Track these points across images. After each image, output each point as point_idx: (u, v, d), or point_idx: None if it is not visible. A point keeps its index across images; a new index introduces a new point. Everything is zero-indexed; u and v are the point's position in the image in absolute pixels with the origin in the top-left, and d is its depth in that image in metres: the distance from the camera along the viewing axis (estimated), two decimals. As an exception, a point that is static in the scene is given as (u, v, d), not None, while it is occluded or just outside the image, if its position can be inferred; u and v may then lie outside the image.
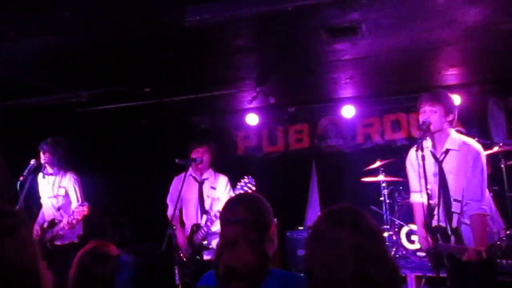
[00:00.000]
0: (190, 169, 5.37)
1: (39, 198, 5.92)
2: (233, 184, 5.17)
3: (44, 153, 5.67)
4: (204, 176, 5.50)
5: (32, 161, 5.60)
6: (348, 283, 1.68)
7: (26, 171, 5.53)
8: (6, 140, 6.61)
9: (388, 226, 7.13)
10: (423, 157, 3.73)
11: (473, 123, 7.75)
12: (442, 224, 3.88)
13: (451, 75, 7.21)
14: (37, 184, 5.86)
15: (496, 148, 6.73)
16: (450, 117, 3.91)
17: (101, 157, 7.54)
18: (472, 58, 6.40)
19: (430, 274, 5.80)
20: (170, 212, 5.53)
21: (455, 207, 3.80)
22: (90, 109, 7.18)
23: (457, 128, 7.08)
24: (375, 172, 7.28)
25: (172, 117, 8.46)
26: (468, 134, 6.99)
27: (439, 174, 3.86)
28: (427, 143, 3.98)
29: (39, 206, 5.95)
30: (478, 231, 3.69)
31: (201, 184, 5.47)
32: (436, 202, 3.90)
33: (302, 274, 2.16)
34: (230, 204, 2.31)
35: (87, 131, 7.52)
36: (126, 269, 2.33)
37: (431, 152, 3.94)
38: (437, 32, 5.19)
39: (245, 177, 4.99)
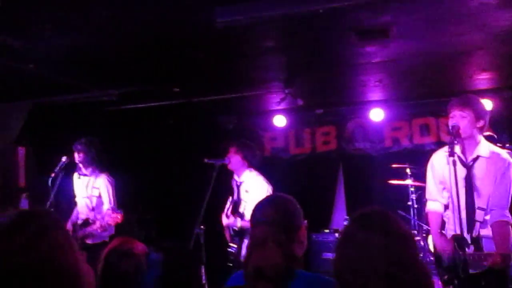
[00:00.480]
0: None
1: (71, 196, 6.01)
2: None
3: (78, 153, 5.75)
4: (241, 178, 5.53)
5: (64, 158, 5.69)
6: (377, 286, 1.67)
7: (57, 168, 5.63)
8: (38, 137, 6.75)
9: (416, 231, 7.04)
10: (454, 163, 3.62)
11: (504, 128, 7.62)
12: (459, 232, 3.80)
13: (483, 79, 7.11)
14: (70, 183, 5.95)
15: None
16: (481, 123, 3.84)
17: (129, 155, 7.63)
18: (504, 62, 6.29)
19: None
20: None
21: (478, 215, 3.75)
22: (119, 107, 7.27)
23: (488, 133, 7.04)
24: (402, 176, 7.20)
25: (200, 117, 8.51)
26: (499, 139, 6.95)
27: (466, 180, 3.79)
28: (456, 149, 3.88)
29: (71, 203, 6.04)
30: (500, 237, 3.67)
31: (238, 187, 5.53)
32: (454, 210, 3.85)
33: (328, 277, 2.16)
34: (260, 204, 2.32)
35: (115, 130, 7.62)
36: (155, 268, 2.35)
37: (459, 157, 3.85)
38: (469, 36, 5.11)
39: None
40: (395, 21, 4.57)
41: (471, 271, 3.52)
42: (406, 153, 8.06)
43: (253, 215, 2.27)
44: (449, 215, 4.04)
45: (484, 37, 5.17)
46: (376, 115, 8.13)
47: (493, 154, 3.83)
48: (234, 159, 5.43)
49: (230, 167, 5.44)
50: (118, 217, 5.41)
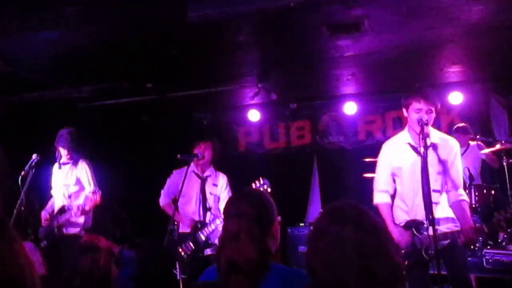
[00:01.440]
0: (192, 164, 5.38)
1: (43, 193, 5.92)
2: (246, 183, 5.17)
3: (62, 142, 5.68)
4: (206, 173, 5.53)
5: (34, 156, 5.59)
6: (351, 280, 1.68)
7: (28, 166, 5.52)
8: (8, 135, 6.62)
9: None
10: (425, 149, 3.82)
11: (475, 120, 7.76)
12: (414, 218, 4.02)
13: (454, 72, 7.20)
14: (43, 179, 5.86)
15: (498, 146, 6.74)
16: (435, 115, 4.03)
17: (102, 152, 7.53)
18: (475, 56, 6.39)
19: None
20: (162, 201, 5.69)
21: (435, 197, 3.91)
22: (92, 104, 7.18)
23: (463, 124, 7.16)
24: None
25: (174, 113, 8.45)
26: (468, 131, 7.06)
27: (422, 166, 3.91)
28: (405, 137, 4.12)
29: (43, 201, 5.95)
30: (462, 214, 3.92)
31: (203, 181, 5.49)
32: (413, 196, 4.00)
33: (303, 270, 2.17)
34: (234, 198, 2.34)
35: (88, 127, 7.51)
36: (129, 266, 2.34)
37: (411, 146, 4.04)
38: (440, 30, 5.18)
39: (260, 178, 5.04)
40: (366, 15, 4.60)
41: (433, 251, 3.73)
42: (380, 146, 8.08)
43: (226, 209, 2.26)
44: (397, 203, 4.16)
45: (454, 31, 5.25)
46: (350, 108, 8.19)
47: (443, 140, 4.06)
48: (207, 155, 5.42)
49: (201, 162, 5.42)
50: (96, 197, 5.35)
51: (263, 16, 4.40)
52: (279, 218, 2.30)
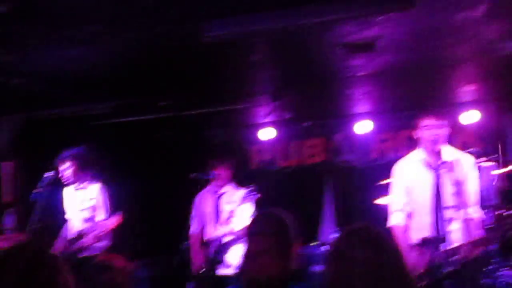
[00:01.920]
0: (210, 185, 5.42)
1: (58, 211, 5.92)
2: (257, 202, 5.22)
3: (71, 161, 5.63)
4: (224, 190, 5.53)
5: (51, 173, 5.58)
6: None
7: (43, 183, 5.53)
8: (27, 151, 6.68)
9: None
10: (427, 165, 3.98)
11: (490, 139, 7.69)
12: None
13: (468, 91, 7.19)
14: (57, 199, 5.86)
15: (509, 169, 6.69)
16: (448, 132, 4.11)
17: (119, 169, 7.57)
18: (490, 74, 6.37)
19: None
20: (192, 230, 5.65)
21: (452, 214, 3.96)
22: (107, 121, 7.23)
23: (472, 149, 7.11)
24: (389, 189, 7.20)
25: (187, 130, 8.50)
26: (485, 151, 7.01)
27: (435, 184, 3.99)
28: (420, 155, 4.17)
29: (58, 219, 5.95)
30: (467, 232, 3.96)
31: (219, 197, 5.51)
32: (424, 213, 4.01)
33: None
34: (258, 217, 2.42)
35: (104, 144, 7.56)
36: (142, 284, 2.35)
37: (425, 163, 4.07)
38: (455, 49, 5.18)
39: (249, 186, 5.08)
40: (381, 35, 4.61)
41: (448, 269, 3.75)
42: (392, 165, 8.07)
43: (250, 227, 2.32)
44: (411, 222, 4.16)
45: (470, 50, 5.24)
46: (363, 127, 8.18)
47: (457, 158, 4.09)
48: (220, 173, 5.43)
49: (218, 182, 5.43)
50: (119, 219, 5.34)
51: (277, 36, 4.43)
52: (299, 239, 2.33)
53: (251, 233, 2.26)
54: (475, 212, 3.99)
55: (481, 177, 7.19)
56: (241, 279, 2.10)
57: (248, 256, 2.17)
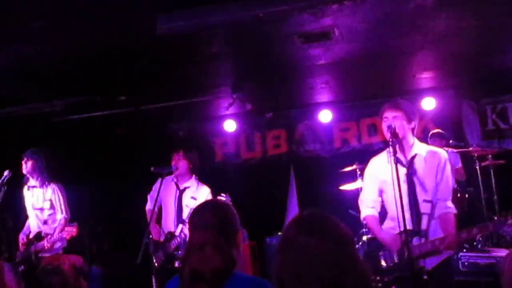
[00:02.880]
0: (174, 175, 5.39)
1: (17, 210, 5.82)
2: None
3: (26, 162, 5.58)
4: (186, 184, 5.46)
5: (6, 172, 5.50)
6: None
7: (0, 182, 5.44)
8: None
9: (366, 229, 7.15)
10: (398, 159, 3.80)
11: (448, 125, 7.86)
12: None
13: (426, 78, 7.31)
14: (17, 196, 5.76)
15: (471, 149, 6.85)
16: (412, 125, 4.01)
17: (78, 166, 7.46)
18: (445, 62, 6.49)
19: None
20: (148, 207, 5.65)
21: (425, 208, 3.92)
22: (65, 118, 7.10)
23: (437, 131, 7.25)
24: (353, 177, 7.30)
25: (149, 125, 8.42)
26: (443, 136, 7.15)
27: (407, 177, 3.96)
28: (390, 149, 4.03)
29: (17, 218, 5.86)
30: (447, 225, 3.90)
31: (181, 192, 5.44)
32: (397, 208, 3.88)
33: (266, 280, 2.19)
34: (199, 209, 2.35)
35: (62, 141, 7.43)
36: (96, 281, 2.32)
37: (397, 158, 3.94)
38: (409, 37, 5.26)
39: (222, 194, 5.06)
40: (336, 24, 4.64)
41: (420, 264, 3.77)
42: (355, 153, 8.18)
43: (191, 220, 2.30)
44: (387, 222, 4.12)
45: (423, 38, 5.32)
46: (325, 116, 8.25)
47: (430, 152, 4.05)
48: (181, 165, 5.37)
49: (176, 173, 5.37)
50: (74, 230, 5.29)
51: (233, 27, 4.41)
52: (241, 227, 2.33)
53: (194, 226, 2.25)
54: (449, 207, 3.97)
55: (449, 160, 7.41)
56: (184, 271, 2.09)
57: (191, 249, 2.16)
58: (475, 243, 6.61)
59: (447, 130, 7.64)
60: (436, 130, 7.42)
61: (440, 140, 7.25)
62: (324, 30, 4.77)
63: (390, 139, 3.83)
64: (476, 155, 6.95)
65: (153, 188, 5.65)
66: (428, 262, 3.85)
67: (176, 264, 5.11)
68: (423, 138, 7.85)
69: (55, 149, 6.39)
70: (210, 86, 6.67)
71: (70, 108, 6.60)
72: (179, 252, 5.12)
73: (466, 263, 6.12)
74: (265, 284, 2.13)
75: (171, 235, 5.23)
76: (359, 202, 4.27)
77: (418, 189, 3.93)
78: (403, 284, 3.83)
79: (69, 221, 5.54)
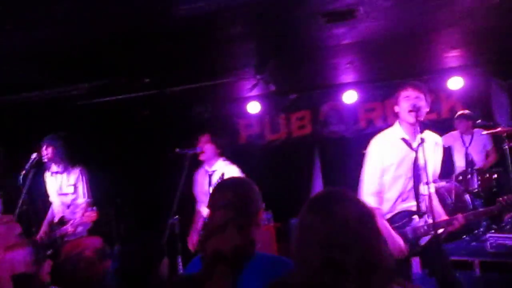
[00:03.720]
0: (202, 162, 5.40)
1: (44, 194, 5.92)
2: (247, 176, 5.18)
3: (46, 149, 5.66)
4: (214, 167, 5.46)
5: (34, 155, 5.60)
6: (315, 269, 1.66)
7: (28, 165, 5.54)
8: (8, 135, 6.63)
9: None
10: (422, 140, 3.86)
11: (476, 104, 7.73)
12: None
13: (453, 57, 7.15)
14: (43, 181, 5.86)
15: (499, 129, 6.71)
16: (427, 109, 4.03)
17: (103, 149, 7.54)
18: (474, 39, 6.32)
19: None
20: (196, 206, 5.68)
21: (424, 189, 3.98)
22: (90, 101, 7.16)
23: (467, 111, 7.16)
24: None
25: (173, 107, 8.44)
26: (470, 117, 7.04)
27: (414, 162, 3.96)
28: (398, 132, 4.07)
29: (45, 200, 5.96)
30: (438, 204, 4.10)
31: (211, 176, 5.45)
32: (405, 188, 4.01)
33: (286, 258, 2.18)
34: (219, 188, 2.33)
35: (88, 124, 7.52)
36: (115, 259, 2.34)
37: (405, 141, 4.00)
38: (436, 13, 5.12)
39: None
40: (361, 1, 4.55)
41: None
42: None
43: (211, 199, 2.27)
44: (388, 197, 4.08)
45: (451, 15, 5.18)
46: (350, 97, 8.17)
47: (430, 135, 4.12)
48: (207, 149, 5.37)
49: (202, 156, 5.38)
50: (93, 215, 5.36)
51: (256, 7, 4.36)
52: (263, 205, 2.30)
53: (214, 206, 2.21)
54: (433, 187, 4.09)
55: (474, 142, 7.30)
56: (206, 252, 2.08)
57: (212, 229, 2.14)
58: (503, 224, 6.53)
59: (475, 110, 7.52)
60: (462, 112, 7.30)
61: (467, 121, 7.14)
62: (348, 8, 4.68)
63: (414, 119, 3.81)
64: (505, 134, 6.80)
65: (194, 185, 5.66)
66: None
67: None
68: (450, 118, 7.75)
69: (81, 132, 6.48)
70: (233, 67, 6.63)
71: (95, 91, 6.64)
72: None
73: (494, 244, 6.05)
74: (286, 262, 2.12)
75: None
76: (363, 191, 4.10)
77: (423, 171, 3.95)
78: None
79: (91, 205, 5.61)
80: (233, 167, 5.44)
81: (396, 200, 4.02)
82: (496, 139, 7.21)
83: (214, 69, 6.66)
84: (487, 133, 6.73)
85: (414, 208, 4.00)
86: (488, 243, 6.08)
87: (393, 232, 3.89)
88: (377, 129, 8.29)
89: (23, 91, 6.43)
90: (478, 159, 7.33)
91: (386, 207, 4.03)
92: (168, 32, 4.95)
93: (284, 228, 7.70)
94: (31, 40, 4.80)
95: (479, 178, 6.92)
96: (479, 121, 7.14)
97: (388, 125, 8.09)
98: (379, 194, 4.02)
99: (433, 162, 4.05)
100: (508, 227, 6.46)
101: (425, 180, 3.94)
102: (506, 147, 6.78)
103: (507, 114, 7.74)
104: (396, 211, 4.00)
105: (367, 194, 4.02)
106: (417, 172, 3.94)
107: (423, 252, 3.97)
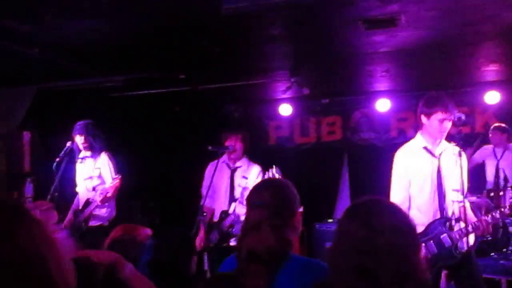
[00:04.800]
0: (224, 156, 5.41)
1: (73, 183, 6.01)
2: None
3: (80, 136, 5.74)
4: (237, 164, 5.51)
5: (69, 143, 5.70)
6: (350, 276, 1.66)
7: (62, 153, 5.63)
8: (43, 122, 6.75)
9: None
10: (459, 154, 3.94)
11: (511, 120, 7.59)
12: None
13: (491, 71, 7.05)
14: (73, 169, 5.94)
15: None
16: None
17: (134, 142, 7.62)
18: (513, 54, 6.23)
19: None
20: (206, 202, 5.61)
21: (455, 196, 4.02)
22: (124, 94, 7.25)
23: (504, 125, 7.06)
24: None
25: (205, 104, 8.49)
26: (505, 130, 6.95)
27: (437, 171, 4.04)
28: (420, 142, 4.14)
29: (73, 191, 6.04)
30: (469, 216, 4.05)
31: (233, 171, 5.49)
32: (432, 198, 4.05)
33: (322, 263, 2.17)
34: (257, 188, 2.33)
35: (121, 116, 7.60)
36: (147, 252, 2.35)
37: (427, 150, 4.07)
38: (478, 27, 5.06)
39: (274, 166, 5.03)
40: (403, 10, 4.51)
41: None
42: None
43: (249, 198, 2.27)
44: (413, 211, 4.09)
45: (493, 28, 5.11)
46: (382, 105, 8.11)
47: (450, 147, 4.14)
48: (238, 147, 5.42)
49: (233, 155, 5.42)
50: (117, 181, 5.41)
51: (297, 9, 4.36)
52: (301, 209, 2.28)
53: (251, 205, 2.21)
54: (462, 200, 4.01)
55: (507, 156, 7.19)
56: (241, 250, 2.09)
57: (247, 228, 2.14)
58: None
59: (510, 125, 7.39)
60: (497, 124, 7.19)
61: (502, 134, 7.03)
62: (390, 17, 4.65)
63: (459, 132, 3.90)
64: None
65: (205, 177, 5.67)
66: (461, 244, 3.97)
67: (231, 243, 5.15)
68: (484, 133, 7.63)
69: (113, 123, 6.55)
70: (268, 68, 6.64)
71: (129, 84, 6.71)
72: (233, 229, 5.15)
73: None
74: (322, 266, 2.11)
75: (225, 214, 5.28)
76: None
77: (446, 180, 4.02)
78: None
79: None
80: (255, 166, 5.52)
81: (426, 209, 4.05)
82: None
83: (249, 69, 6.68)
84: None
85: (444, 216, 4.03)
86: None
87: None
88: (408, 138, 8.18)
89: (60, 79, 6.54)
90: (510, 174, 7.21)
91: (417, 218, 3.99)
92: (208, 30, 4.98)
93: (308, 232, 7.68)
94: (73, 31, 4.88)
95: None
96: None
97: (420, 136, 8.17)
98: (406, 204, 4.07)
99: (456, 172, 4.00)
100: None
101: (452, 187, 4.00)
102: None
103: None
104: (428, 221, 3.99)
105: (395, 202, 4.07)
106: (440, 180, 4.02)
107: (458, 264, 3.93)
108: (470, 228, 3.89)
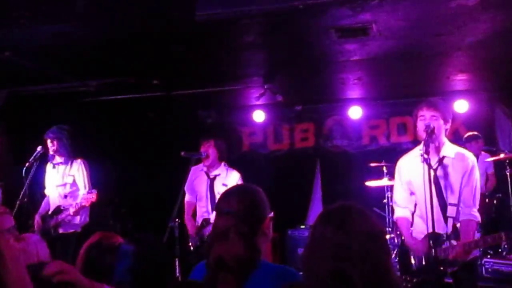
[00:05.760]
0: (202, 164, 5.42)
1: (43, 187, 5.93)
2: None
3: (51, 141, 5.68)
4: (216, 171, 5.51)
5: (39, 148, 5.62)
6: (326, 281, 1.68)
7: (32, 157, 5.55)
8: (14, 127, 6.65)
9: (390, 229, 7.12)
10: (427, 160, 3.74)
11: (479, 130, 7.73)
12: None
13: (460, 80, 7.21)
14: (43, 173, 5.87)
15: (501, 155, 6.75)
16: (447, 126, 3.98)
17: (106, 147, 7.56)
18: (482, 65, 6.39)
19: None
20: (187, 199, 5.68)
21: (451, 211, 3.88)
22: (98, 98, 7.19)
23: (473, 133, 7.15)
24: (379, 174, 7.26)
25: (179, 110, 8.47)
26: (480, 138, 7.05)
27: (434, 180, 3.87)
28: (419, 147, 4.00)
29: (42, 194, 5.97)
30: (465, 233, 3.85)
31: (212, 180, 5.49)
32: (427, 210, 3.89)
33: (293, 269, 2.17)
34: (225, 195, 2.28)
35: (94, 121, 7.54)
36: (126, 259, 2.34)
37: (423, 158, 3.87)
38: (448, 38, 5.18)
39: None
40: (375, 20, 4.59)
41: (444, 269, 3.74)
42: (383, 151, 8.15)
43: (217, 205, 2.23)
44: (416, 220, 4.10)
45: (462, 39, 5.23)
46: (355, 113, 8.21)
47: (459, 154, 3.97)
48: (211, 154, 5.41)
49: (206, 161, 5.42)
50: (93, 196, 5.36)
51: (271, 17, 4.40)
52: (271, 214, 2.24)
53: (219, 212, 2.18)
54: (473, 214, 3.89)
55: (479, 165, 7.31)
56: (210, 258, 2.06)
57: (215, 235, 2.11)
58: (500, 250, 6.54)
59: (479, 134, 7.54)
60: (471, 133, 7.31)
61: (476, 143, 7.15)
62: (362, 26, 4.73)
63: (425, 139, 3.80)
64: (507, 161, 6.84)
65: (188, 180, 5.65)
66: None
67: None
68: (454, 141, 7.76)
69: (85, 128, 6.49)
70: (242, 75, 6.67)
71: (103, 89, 6.67)
72: None
73: (489, 270, 6.06)
74: (292, 273, 2.11)
75: (206, 222, 5.29)
76: (393, 202, 4.30)
77: (445, 191, 3.90)
78: (428, 287, 3.78)
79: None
80: (234, 172, 5.52)
81: (426, 219, 3.93)
82: (497, 165, 7.25)
83: (222, 76, 6.69)
84: (492, 160, 6.77)
85: (443, 229, 3.90)
86: (484, 268, 6.09)
87: (413, 239, 3.98)
88: (380, 146, 8.40)
89: (31, 84, 6.46)
90: (482, 183, 7.35)
91: (419, 225, 4.03)
92: (182, 36, 4.99)
93: (281, 238, 7.71)
94: (45, 34, 4.83)
95: (480, 203, 6.94)
96: (484, 146, 7.20)
97: (391, 143, 8.31)
98: (408, 209, 4.12)
99: (458, 181, 3.91)
100: (505, 253, 6.48)
101: (450, 200, 3.89)
102: (508, 173, 6.83)
103: (510, 140, 7.79)
104: (428, 231, 3.88)
105: (399, 207, 4.19)
106: (438, 190, 3.90)
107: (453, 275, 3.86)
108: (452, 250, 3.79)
